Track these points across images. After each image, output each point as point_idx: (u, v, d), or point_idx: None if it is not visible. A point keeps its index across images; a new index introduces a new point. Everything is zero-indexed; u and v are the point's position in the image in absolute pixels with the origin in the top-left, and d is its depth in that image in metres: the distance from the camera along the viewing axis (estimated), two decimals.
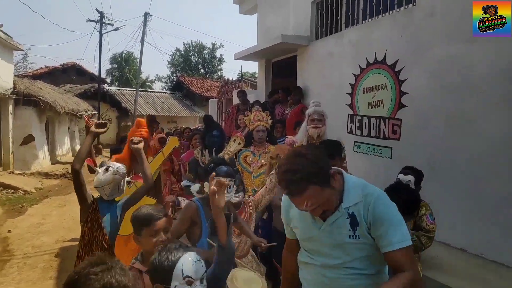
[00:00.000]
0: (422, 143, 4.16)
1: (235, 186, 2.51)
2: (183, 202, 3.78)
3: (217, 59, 38.77)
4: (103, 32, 18.03)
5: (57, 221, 6.68)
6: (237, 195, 2.66)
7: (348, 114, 5.15)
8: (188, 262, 1.48)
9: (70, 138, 15.27)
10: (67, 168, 11.69)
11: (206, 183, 2.40)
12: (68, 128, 15.12)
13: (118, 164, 2.56)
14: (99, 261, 1.12)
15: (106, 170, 2.51)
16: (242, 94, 7.49)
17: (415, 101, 4.23)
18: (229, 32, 79.30)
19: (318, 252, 1.58)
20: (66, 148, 14.52)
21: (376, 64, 4.71)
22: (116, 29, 18.41)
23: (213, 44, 38.07)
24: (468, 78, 3.71)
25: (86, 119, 2.83)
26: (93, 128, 2.57)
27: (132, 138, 2.73)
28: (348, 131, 5.09)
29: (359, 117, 4.90)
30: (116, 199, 2.61)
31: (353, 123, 5.02)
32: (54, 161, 12.52)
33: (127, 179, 2.65)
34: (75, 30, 71.27)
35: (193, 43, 38.05)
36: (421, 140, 4.17)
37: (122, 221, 2.59)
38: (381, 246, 1.43)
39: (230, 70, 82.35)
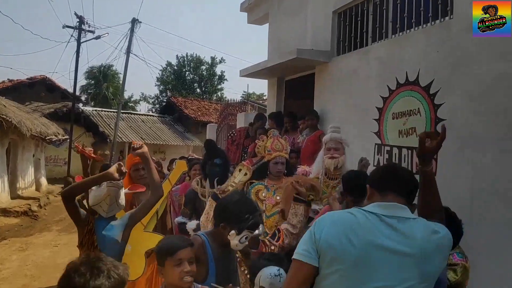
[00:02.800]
0: (463, 179, 4.36)
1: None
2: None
3: (217, 77, 39.72)
4: (82, 41, 18.79)
5: (18, 268, 6.86)
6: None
7: (375, 143, 5.39)
8: (265, 274, 2.19)
9: (35, 168, 15.59)
10: (30, 205, 11.94)
11: (233, 232, 2.52)
12: (33, 156, 15.49)
13: None
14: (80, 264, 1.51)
15: (99, 185, 2.76)
16: (262, 119, 7.50)
17: (453, 129, 4.46)
18: (233, 45, 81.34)
19: None
20: (29, 180, 14.81)
21: (408, 85, 5.00)
22: (98, 37, 19.19)
23: (213, 59, 39.13)
24: None
25: (79, 148, 3.13)
26: (114, 173, 2.71)
27: (133, 145, 3.00)
28: (375, 164, 5.32)
29: (387, 148, 5.14)
30: (116, 215, 2.87)
31: (380, 155, 5.26)
32: (14, 195, 12.77)
33: (124, 190, 2.91)
34: (49, 38, 73.46)
35: (188, 57, 39.12)
36: (462, 175, 4.37)
37: (126, 242, 2.85)
38: None
39: (233, 90, 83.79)
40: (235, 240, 2.53)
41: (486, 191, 4.17)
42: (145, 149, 2.97)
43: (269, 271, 2.19)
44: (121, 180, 2.84)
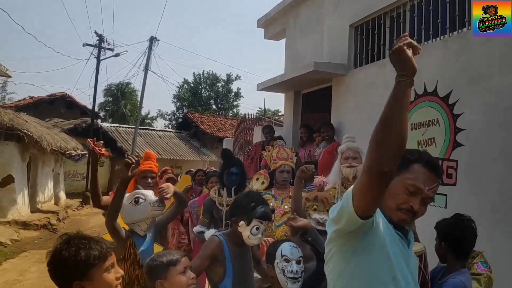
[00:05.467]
0: (483, 190, 4.32)
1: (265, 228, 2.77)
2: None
3: (232, 93, 40.06)
4: (101, 58, 19.20)
5: (37, 279, 6.93)
6: None
7: None
8: (286, 246, 2.52)
9: (54, 182, 15.83)
10: (49, 218, 12.10)
11: (242, 222, 2.62)
12: (53, 170, 15.75)
13: (150, 195, 2.85)
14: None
15: (136, 202, 2.81)
16: (270, 130, 7.71)
17: (472, 138, 4.46)
18: (249, 62, 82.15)
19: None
20: (48, 194, 15.04)
21: (426, 96, 5.02)
22: (117, 55, 19.60)
23: (229, 76, 39.52)
24: None
25: (91, 143, 3.12)
26: (124, 173, 2.77)
27: (160, 188, 3.00)
28: None
29: None
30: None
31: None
32: (34, 208, 12.98)
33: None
34: (70, 55, 75.28)
35: (205, 74, 39.60)
36: (482, 186, 4.34)
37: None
38: None
39: (249, 106, 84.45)
40: (246, 231, 2.61)
41: (505, 201, 4.12)
42: (172, 189, 3.07)
43: (289, 244, 2.56)
44: (158, 200, 2.93)
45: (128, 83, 36.10)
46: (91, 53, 19.72)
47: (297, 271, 2.42)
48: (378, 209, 1.65)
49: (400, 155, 1.52)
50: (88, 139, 3.30)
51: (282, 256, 2.48)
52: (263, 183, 4.21)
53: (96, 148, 3.08)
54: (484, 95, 4.40)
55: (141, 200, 2.81)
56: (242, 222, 2.61)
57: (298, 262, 2.47)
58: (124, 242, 2.80)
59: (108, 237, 3.46)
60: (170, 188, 3.03)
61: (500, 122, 4.23)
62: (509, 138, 4.15)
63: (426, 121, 4.93)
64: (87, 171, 18.46)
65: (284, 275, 2.42)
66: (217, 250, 2.63)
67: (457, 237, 2.65)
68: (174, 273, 2.19)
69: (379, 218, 1.67)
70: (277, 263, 2.48)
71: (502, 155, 4.19)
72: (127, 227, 2.92)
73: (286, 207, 4.06)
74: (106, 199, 3.39)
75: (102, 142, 3.20)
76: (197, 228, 4.31)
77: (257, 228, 2.61)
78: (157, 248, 3.38)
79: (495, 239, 4.00)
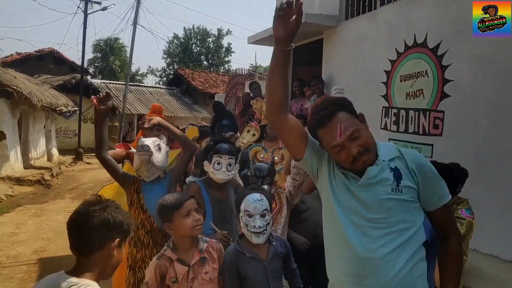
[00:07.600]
0: (469, 140, 4.42)
1: (237, 165, 2.96)
2: None
3: (223, 49, 39.49)
4: (88, 12, 18.72)
5: (34, 231, 7.09)
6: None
7: (383, 106, 5.46)
8: (249, 199, 2.38)
9: (46, 139, 15.80)
10: (42, 174, 12.18)
11: (205, 161, 2.86)
12: (44, 127, 15.68)
13: (145, 141, 2.89)
14: (96, 201, 1.60)
15: (138, 150, 2.88)
16: (257, 87, 7.75)
17: (460, 90, 4.52)
18: (239, 16, 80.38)
19: (355, 211, 1.76)
20: (41, 150, 15.04)
21: (416, 47, 5.04)
22: (104, 9, 19.07)
23: (219, 30, 38.84)
24: None
25: (95, 100, 3.10)
26: (97, 108, 2.75)
27: (140, 122, 3.01)
28: (383, 126, 5.40)
29: (395, 110, 5.22)
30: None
31: (388, 117, 5.34)
32: (27, 164, 13.01)
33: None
34: (56, 9, 72.72)
35: (195, 29, 38.85)
36: (468, 136, 4.43)
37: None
38: (429, 202, 1.77)
39: (240, 62, 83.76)
40: (209, 169, 2.83)
41: (489, 151, 4.24)
42: (156, 119, 2.97)
43: (252, 197, 2.39)
44: (152, 147, 2.87)
45: (116, 39, 35.55)
46: (78, 7, 19.22)
47: (259, 226, 2.32)
48: (326, 162, 1.89)
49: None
50: (92, 96, 3.27)
51: (245, 211, 2.38)
52: (254, 135, 4.29)
53: (95, 102, 3.02)
54: (473, 46, 4.42)
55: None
56: (205, 162, 2.85)
57: (262, 216, 2.35)
58: (129, 185, 2.93)
59: (104, 192, 3.49)
60: (155, 118, 2.98)
61: (488, 73, 4.28)
62: (496, 89, 4.21)
63: (415, 72, 4.97)
64: (78, 128, 18.42)
65: (248, 230, 2.34)
66: (196, 195, 2.78)
67: (453, 179, 2.77)
68: (178, 216, 2.26)
69: (325, 168, 1.88)
70: (241, 216, 2.40)
71: (489, 106, 4.26)
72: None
73: (276, 157, 4.16)
74: (111, 153, 3.37)
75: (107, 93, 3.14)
76: (189, 179, 4.40)
77: (218, 163, 2.80)
78: None
79: (478, 187, 4.15)
